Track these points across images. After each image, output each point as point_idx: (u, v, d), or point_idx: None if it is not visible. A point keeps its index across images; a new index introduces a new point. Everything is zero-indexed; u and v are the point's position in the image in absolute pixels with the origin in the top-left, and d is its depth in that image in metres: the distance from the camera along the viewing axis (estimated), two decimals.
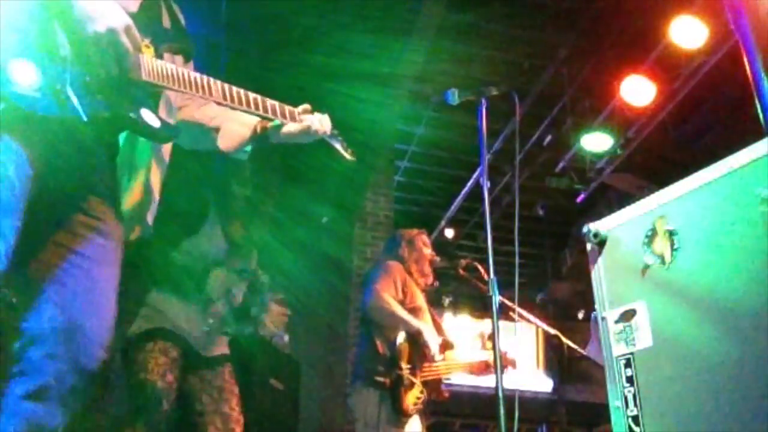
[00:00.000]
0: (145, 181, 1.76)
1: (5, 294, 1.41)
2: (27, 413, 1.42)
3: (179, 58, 1.79)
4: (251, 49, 4.97)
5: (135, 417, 2.45)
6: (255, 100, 1.85)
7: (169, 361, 2.56)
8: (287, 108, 1.95)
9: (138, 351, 2.56)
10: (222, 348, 2.79)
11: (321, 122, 2.02)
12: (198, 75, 1.72)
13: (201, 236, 2.74)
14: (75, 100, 1.42)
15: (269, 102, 1.89)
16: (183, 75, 1.68)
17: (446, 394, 3.45)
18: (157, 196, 1.81)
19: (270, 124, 1.97)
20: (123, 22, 1.49)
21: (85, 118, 1.45)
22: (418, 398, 3.25)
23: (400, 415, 3.20)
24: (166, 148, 1.84)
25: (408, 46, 5.32)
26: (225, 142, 1.98)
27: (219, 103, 1.81)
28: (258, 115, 1.90)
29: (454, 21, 5.27)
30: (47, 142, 1.46)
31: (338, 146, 2.13)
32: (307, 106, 2.01)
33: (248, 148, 2.03)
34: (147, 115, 1.60)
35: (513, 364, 3.62)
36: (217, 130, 1.97)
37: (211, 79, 1.75)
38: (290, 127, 1.97)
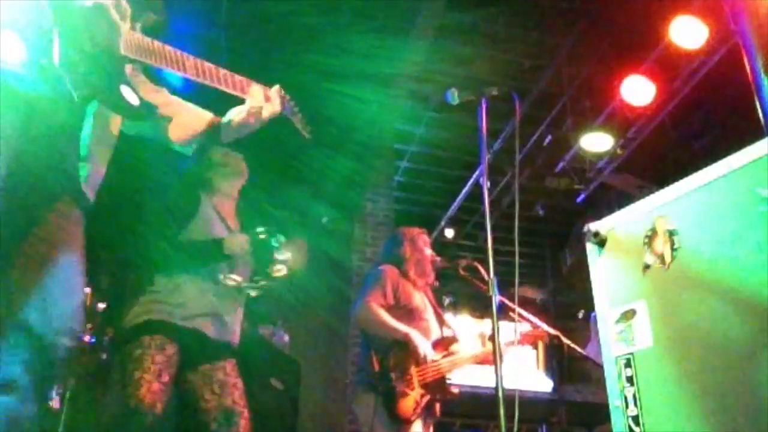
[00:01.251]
0: (88, 154, 1.70)
1: None
2: (0, 406, 1.40)
3: (138, 26, 1.75)
4: (251, 49, 4.97)
5: (127, 419, 2.35)
6: (224, 75, 1.83)
7: (165, 359, 2.45)
8: (253, 84, 1.91)
9: (134, 346, 2.44)
10: (233, 336, 2.69)
11: (272, 101, 1.96)
12: (171, 49, 1.69)
13: (199, 219, 2.67)
14: (66, 78, 1.37)
15: (237, 77, 1.86)
16: (159, 48, 1.65)
17: (456, 391, 3.43)
18: (102, 169, 1.74)
19: (223, 120, 1.94)
20: None
21: (76, 99, 1.40)
22: (417, 403, 3.24)
23: (400, 423, 3.19)
24: (115, 122, 1.78)
25: (408, 46, 5.32)
26: (177, 132, 1.94)
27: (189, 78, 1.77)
28: (224, 91, 1.85)
29: (454, 21, 5.28)
30: (19, 123, 1.41)
31: (296, 123, 2.10)
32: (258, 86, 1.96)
33: (195, 144, 1.99)
34: (126, 92, 1.56)
35: (543, 337, 3.62)
36: (168, 119, 1.94)
37: (185, 54, 1.72)
38: (237, 117, 1.92)
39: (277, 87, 2.03)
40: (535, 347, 3.54)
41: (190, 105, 1.91)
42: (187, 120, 1.95)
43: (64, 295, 1.52)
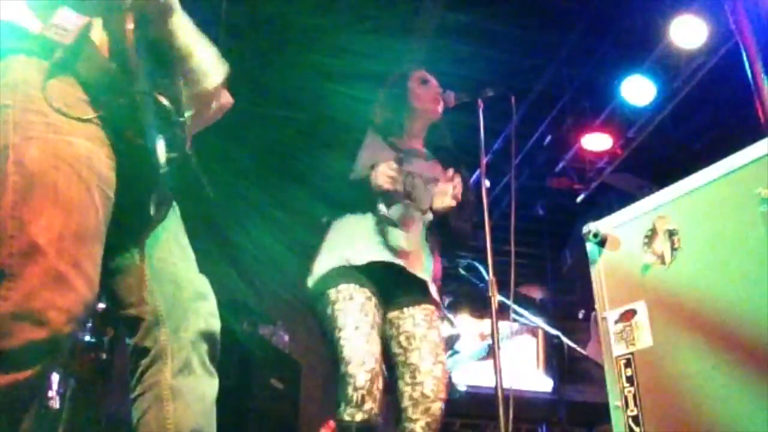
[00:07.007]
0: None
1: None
2: (184, 388, 1.42)
3: None
4: (250, 49, 4.97)
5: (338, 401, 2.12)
6: None
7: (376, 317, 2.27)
8: None
9: (331, 301, 2.30)
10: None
11: None
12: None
13: None
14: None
15: None
16: None
17: (462, 389, 3.44)
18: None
19: None
20: None
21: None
22: None
23: None
24: None
25: (408, 46, 5.32)
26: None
27: None
28: None
29: (454, 21, 5.27)
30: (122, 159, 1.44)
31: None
32: None
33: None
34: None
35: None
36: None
37: None
38: None
39: None
40: (535, 336, 3.53)
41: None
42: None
43: (197, 279, 1.56)
